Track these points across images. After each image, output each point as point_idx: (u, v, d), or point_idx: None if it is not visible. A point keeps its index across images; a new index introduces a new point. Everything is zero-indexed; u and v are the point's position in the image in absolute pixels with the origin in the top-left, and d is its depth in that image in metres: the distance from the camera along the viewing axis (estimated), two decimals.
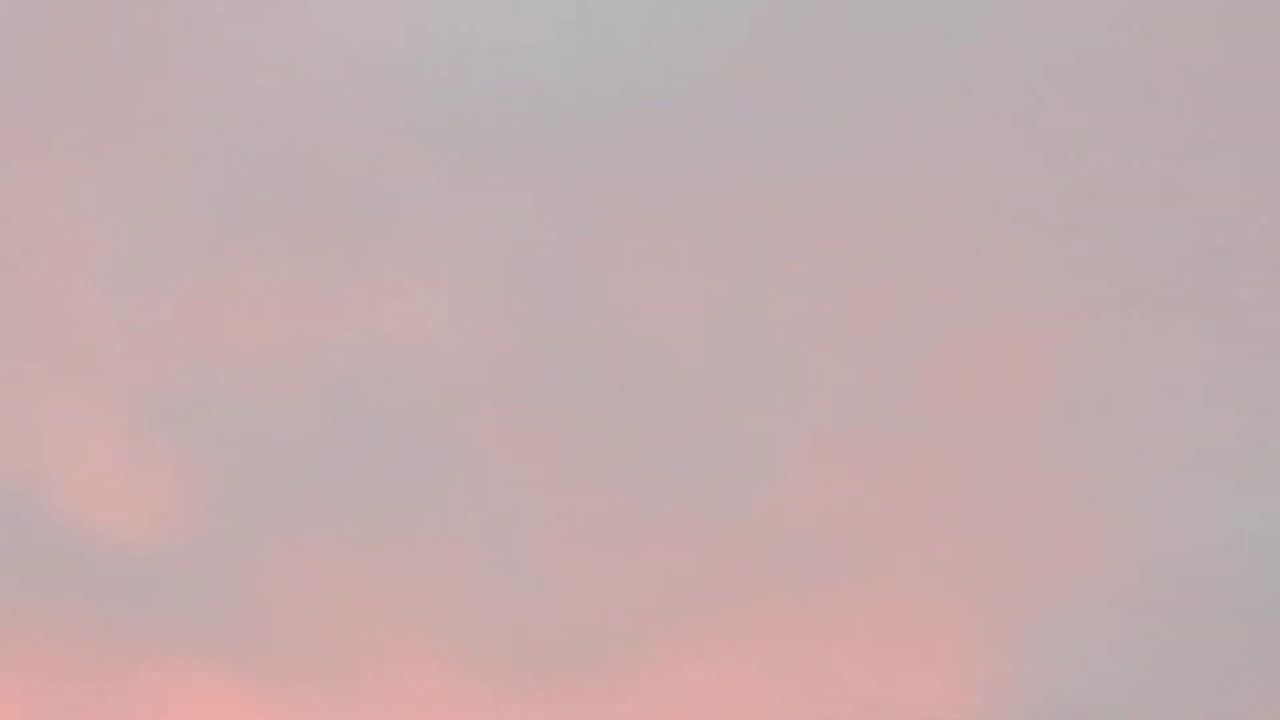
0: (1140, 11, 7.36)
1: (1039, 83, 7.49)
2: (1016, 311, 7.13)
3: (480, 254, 8.88)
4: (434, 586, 9.59)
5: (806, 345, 7.41)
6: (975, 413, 7.24)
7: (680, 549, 7.97)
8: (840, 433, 7.47)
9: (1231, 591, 6.84)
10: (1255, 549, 6.78)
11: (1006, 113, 7.38)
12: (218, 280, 10.51)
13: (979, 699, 7.40)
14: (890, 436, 7.38)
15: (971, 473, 7.38)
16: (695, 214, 7.90)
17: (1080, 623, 7.27)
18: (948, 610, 7.44)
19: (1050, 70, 7.32)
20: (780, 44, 7.98)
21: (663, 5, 7.86)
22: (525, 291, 8.54)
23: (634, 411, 7.95)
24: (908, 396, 7.33)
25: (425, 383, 9.09)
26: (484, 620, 9.24)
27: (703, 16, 8.02)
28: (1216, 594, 6.70)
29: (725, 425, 7.70)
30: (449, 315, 8.87)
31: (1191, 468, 6.69)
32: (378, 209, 9.27)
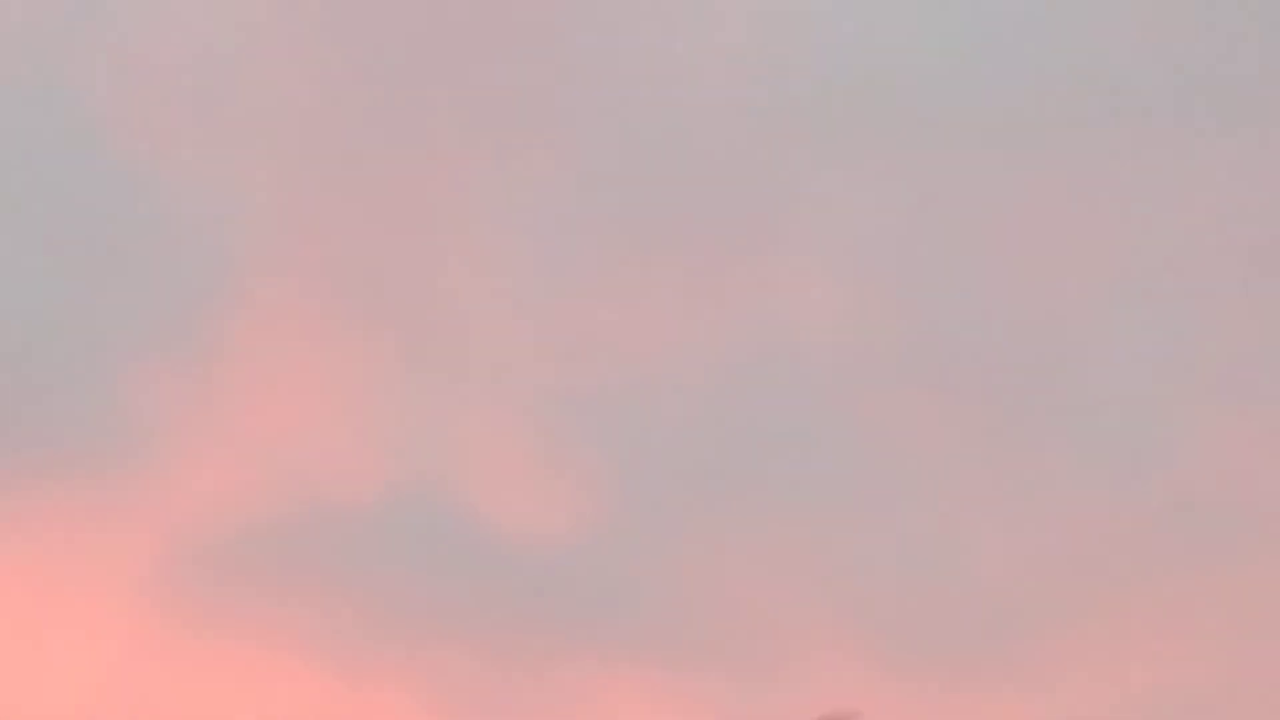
0: None
1: None
2: None
3: (872, 241, 8.68)
4: (840, 573, 8.92)
5: (1201, 317, 7.47)
6: None
7: (1085, 524, 7.77)
8: (1240, 401, 7.50)
9: None
10: None
11: None
12: (616, 279, 9.84)
13: None
14: None
15: None
16: (1079, 196, 7.92)
17: None
18: None
19: None
20: (1173, 31, 8.18)
21: None
22: (917, 277, 8.35)
23: (1031, 390, 7.80)
24: None
25: (822, 370, 8.69)
26: (892, 604, 8.60)
27: (1085, 4, 8.18)
28: None
29: (1123, 399, 7.62)
30: (844, 302, 8.57)
31: None
32: (770, 202, 8.92)
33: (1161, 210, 7.93)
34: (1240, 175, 7.48)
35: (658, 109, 8.05)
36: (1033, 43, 8.10)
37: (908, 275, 8.75)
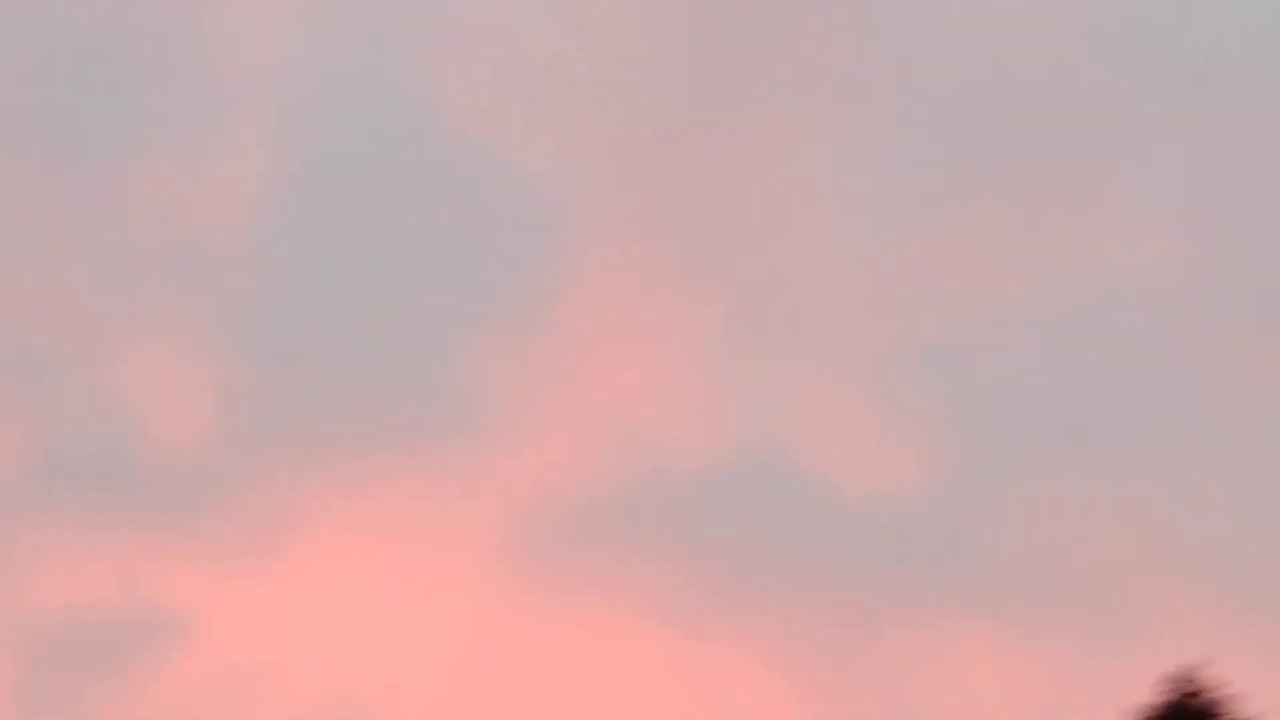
0: None
1: None
2: None
3: (1204, 187, 8.79)
4: (1185, 522, 9.00)
5: None
6: None
7: None
8: None
9: None
10: None
11: None
12: (948, 234, 10.32)
13: None
14: None
15: None
16: None
17: None
18: None
19: None
20: None
21: None
22: (1246, 225, 8.41)
23: None
24: None
25: (1158, 318, 8.80)
26: (1244, 555, 8.60)
27: None
28: None
29: None
30: (1174, 252, 8.64)
31: None
32: (1099, 152, 9.09)
33: None
34: None
35: (987, 69, 8.11)
36: None
37: (1237, 224, 8.72)
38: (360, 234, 50.21)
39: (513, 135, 47.62)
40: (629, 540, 44.63)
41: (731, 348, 42.27)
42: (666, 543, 45.00)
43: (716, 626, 39.96)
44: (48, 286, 53.00)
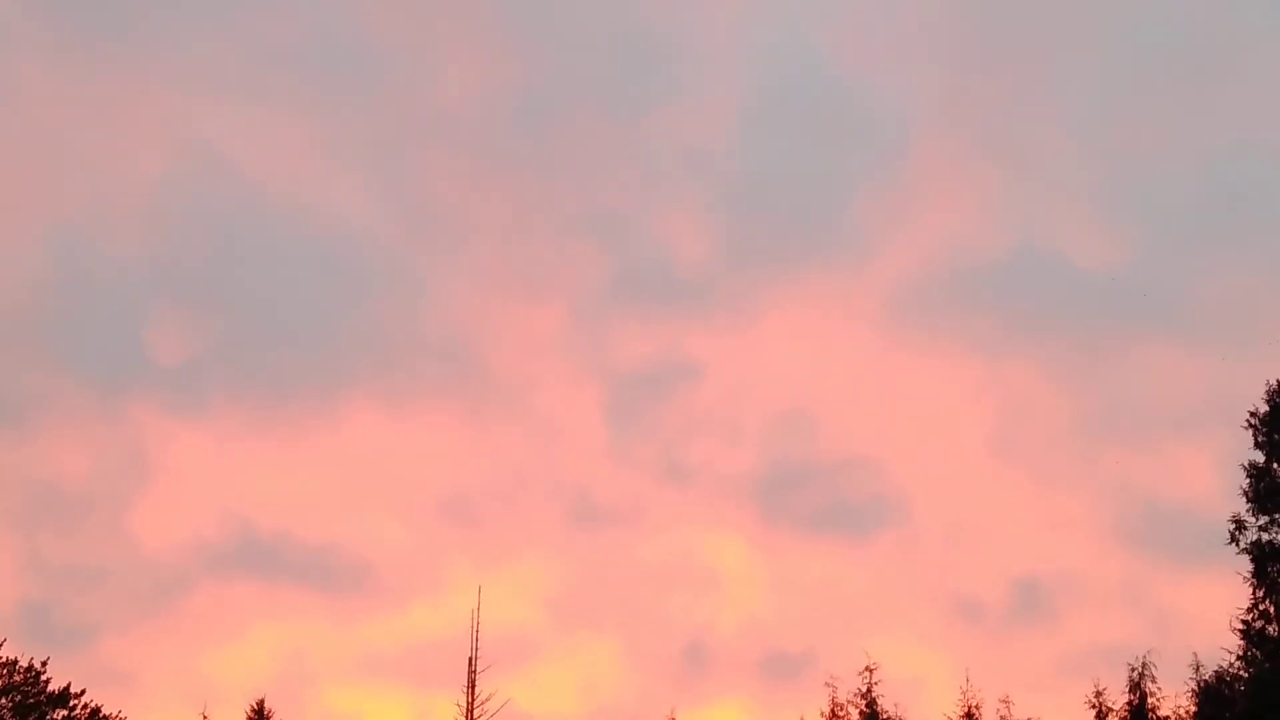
0: None
1: None
2: None
3: None
4: None
5: None
6: None
7: None
8: None
9: None
10: None
11: None
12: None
13: None
14: None
15: None
16: None
17: None
18: None
19: None
20: None
21: None
22: None
23: None
24: None
25: None
26: None
27: None
28: None
29: None
30: None
31: None
32: None
33: None
34: None
35: None
36: None
37: None
38: (791, 140, 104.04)
39: (876, 72, 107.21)
40: (950, 307, 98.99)
41: (1007, 187, 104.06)
42: (974, 309, 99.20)
43: (1008, 358, 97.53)
44: (593, 183, 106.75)
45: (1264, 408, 43.30)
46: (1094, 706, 55.75)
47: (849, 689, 64.53)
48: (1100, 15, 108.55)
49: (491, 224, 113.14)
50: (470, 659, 58.65)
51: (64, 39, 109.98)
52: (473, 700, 58.14)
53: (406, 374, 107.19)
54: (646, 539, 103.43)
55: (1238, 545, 42.27)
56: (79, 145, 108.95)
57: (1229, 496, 43.87)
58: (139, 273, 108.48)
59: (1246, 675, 42.67)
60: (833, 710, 64.47)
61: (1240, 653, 42.48)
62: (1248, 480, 42.68)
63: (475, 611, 59.12)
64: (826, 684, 67.46)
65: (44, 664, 43.35)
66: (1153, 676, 54.97)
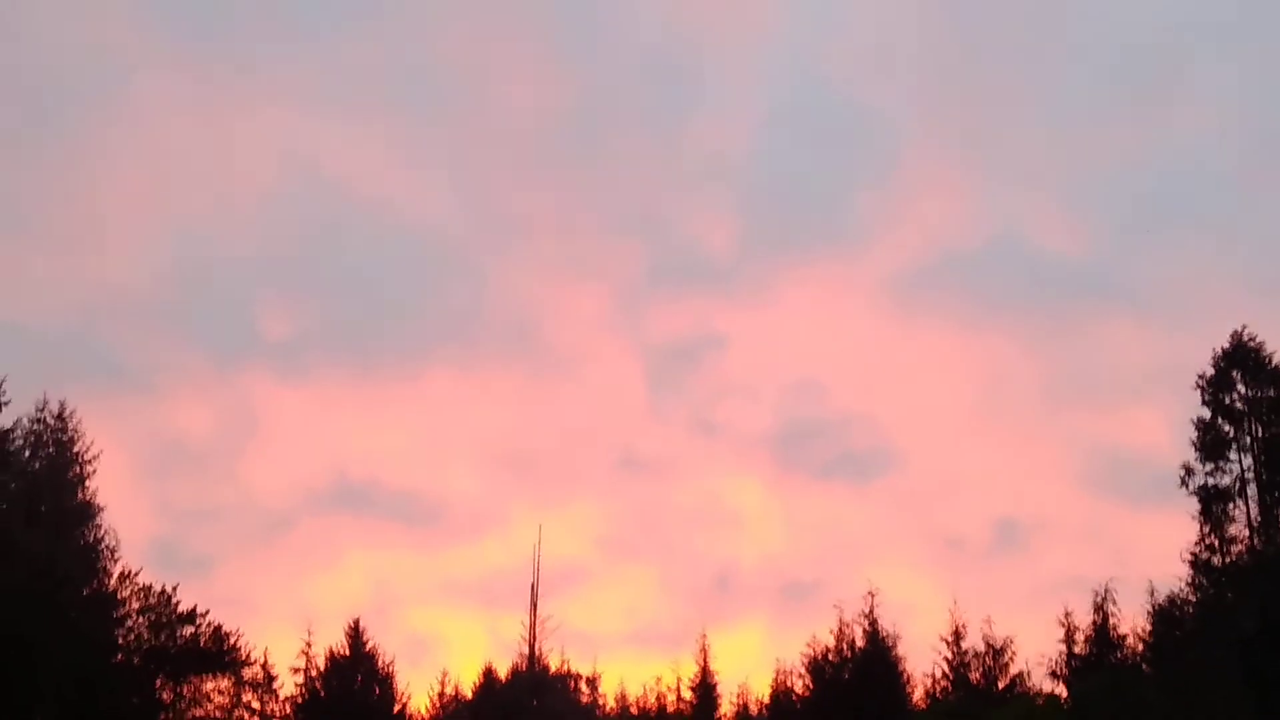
0: None
1: None
2: None
3: None
4: None
5: None
6: None
7: None
8: None
9: None
10: None
11: None
12: None
13: None
14: None
15: None
16: None
17: None
18: None
19: None
20: None
21: None
22: None
23: None
24: None
25: None
26: None
27: None
28: None
29: None
30: None
31: None
32: None
33: None
34: None
35: None
36: None
37: None
38: (802, 146, 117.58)
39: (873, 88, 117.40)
40: (938, 288, 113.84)
41: (986, 185, 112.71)
42: (958, 289, 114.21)
43: (988, 331, 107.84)
44: (633, 184, 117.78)
45: (1210, 371, 46.99)
46: (1064, 625, 60.65)
47: (853, 611, 68.95)
48: (1066, 33, 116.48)
49: (546, 219, 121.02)
50: (532, 586, 63.56)
51: (183, 63, 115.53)
52: (534, 620, 63.43)
53: (476, 347, 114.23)
54: (680, 485, 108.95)
55: (1187, 489, 45.99)
56: (197, 155, 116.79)
57: (1179, 448, 47.40)
58: (250, 262, 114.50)
59: (1195, 600, 46.48)
60: (840, 629, 69.22)
61: (1189, 580, 46.23)
62: (1196, 433, 46.37)
63: (536, 546, 64.38)
64: (834, 607, 71.86)
65: (174, 589, 46.04)
66: (1114, 601, 59.51)
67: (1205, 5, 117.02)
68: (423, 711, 71.79)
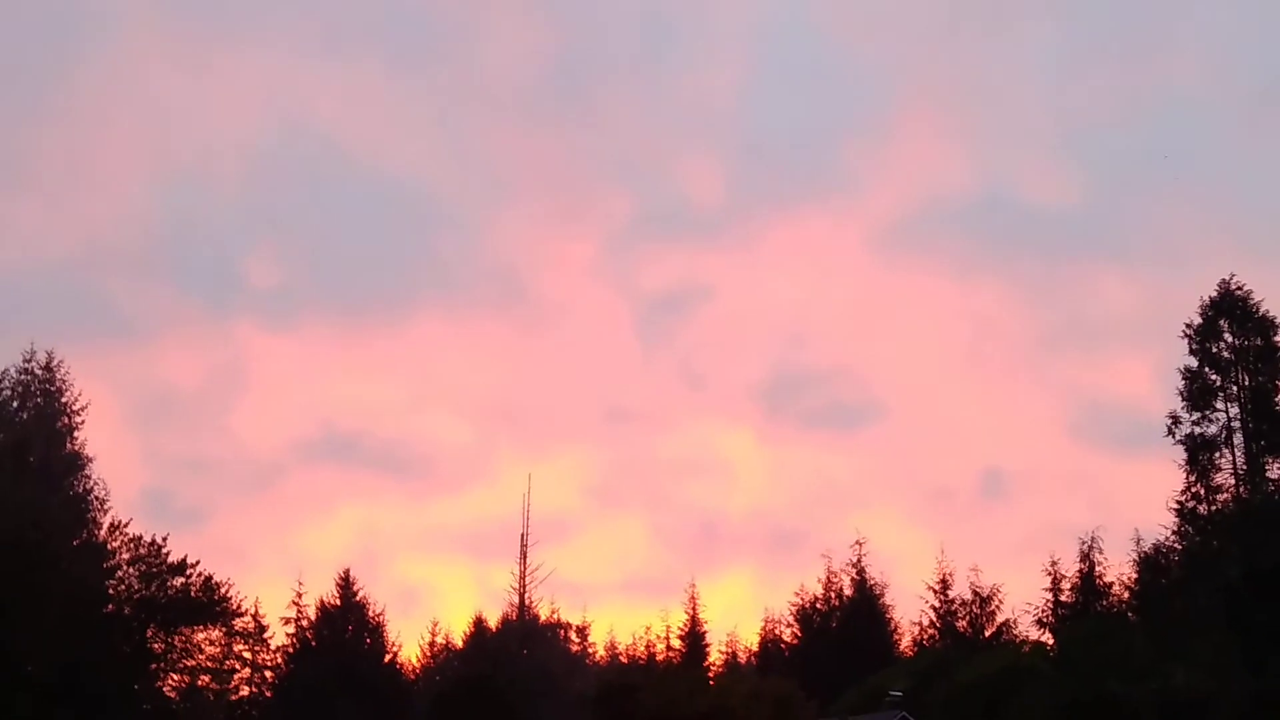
0: None
1: None
2: None
3: None
4: None
5: None
6: None
7: None
8: None
9: None
10: None
11: None
12: None
13: None
14: None
15: None
16: None
17: None
18: None
19: None
20: None
21: None
22: None
23: None
24: None
25: None
26: None
27: None
28: None
29: None
30: None
31: None
32: None
33: None
34: None
35: None
36: None
37: None
38: (789, 98, 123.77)
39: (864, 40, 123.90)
40: (927, 240, 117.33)
41: (976, 137, 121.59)
42: (947, 241, 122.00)
43: (976, 282, 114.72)
44: (620, 135, 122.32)
45: (1198, 320, 46.52)
46: (1050, 574, 60.82)
47: (841, 560, 69.53)
48: None
49: (535, 170, 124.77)
50: (522, 535, 63.69)
51: (171, 16, 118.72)
52: (524, 570, 63.36)
53: (464, 296, 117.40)
54: (668, 435, 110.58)
55: (1174, 437, 45.63)
56: (185, 105, 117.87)
57: (1165, 396, 47.22)
58: (238, 211, 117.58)
59: (1180, 548, 46.33)
60: (827, 578, 69.71)
61: (1175, 528, 46.05)
62: (1183, 382, 46.02)
63: (526, 496, 64.41)
64: (822, 556, 72.42)
65: (164, 540, 45.75)
66: (1100, 549, 59.70)
67: None
68: (414, 661, 72.30)
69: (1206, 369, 46.29)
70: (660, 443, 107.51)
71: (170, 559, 45.92)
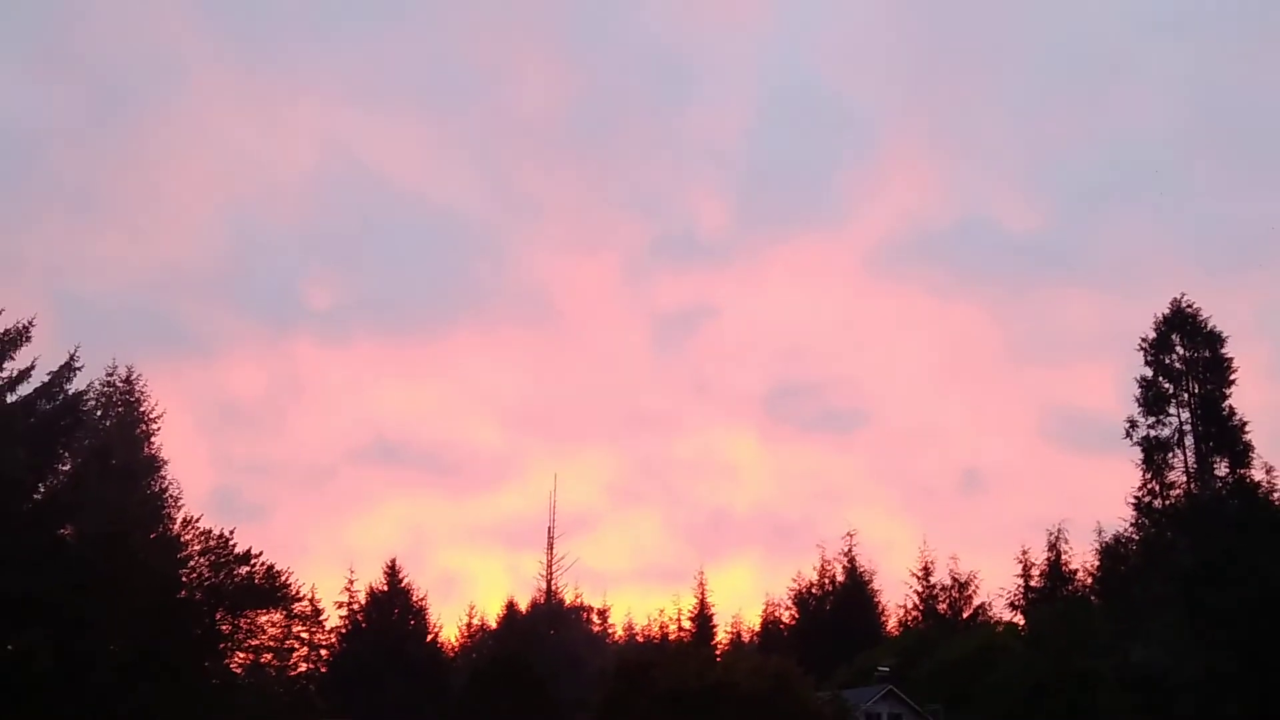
0: None
1: None
2: None
3: None
4: None
5: None
6: None
7: None
8: None
9: None
10: None
11: None
12: None
13: None
14: None
15: None
16: None
17: None
18: None
19: None
20: None
21: None
22: None
23: None
24: None
25: None
26: None
27: None
28: None
29: None
30: None
31: None
32: None
33: None
34: None
35: None
36: None
37: None
38: (789, 135, 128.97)
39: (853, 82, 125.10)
40: (910, 263, 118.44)
41: (953, 169, 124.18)
42: (928, 263, 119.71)
43: (954, 300, 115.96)
44: (637, 169, 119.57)
45: (1152, 334, 47.16)
46: (1021, 562, 61.57)
47: (834, 550, 70.35)
48: (1024, 33, 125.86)
49: (560, 201, 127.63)
50: (549, 528, 64.60)
51: (238, 68, 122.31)
52: (551, 559, 64.08)
53: (498, 314, 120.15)
54: (680, 438, 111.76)
55: (1131, 440, 46.30)
56: (251, 147, 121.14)
57: (1123, 403, 48.44)
58: (297, 240, 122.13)
59: (1137, 538, 47.00)
60: (822, 565, 70.38)
61: (1133, 521, 46.68)
62: (1139, 390, 46.60)
63: (552, 493, 65.35)
64: (817, 546, 73.37)
65: (231, 533, 45.22)
66: (1066, 540, 60.52)
67: (1147, 3, 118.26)
68: (452, 640, 73.02)
69: (1160, 378, 46.75)
70: (673, 445, 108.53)
71: (236, 550, 46.06)
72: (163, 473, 48.15)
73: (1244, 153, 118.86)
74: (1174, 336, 47.17)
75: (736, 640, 72.88)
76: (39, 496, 34.88)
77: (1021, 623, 56.72)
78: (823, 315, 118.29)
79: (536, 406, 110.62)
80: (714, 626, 71.96)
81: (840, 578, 69.11)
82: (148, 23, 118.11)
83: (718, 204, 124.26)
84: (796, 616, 70.01)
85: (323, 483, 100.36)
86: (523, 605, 70.74)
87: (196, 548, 45.75)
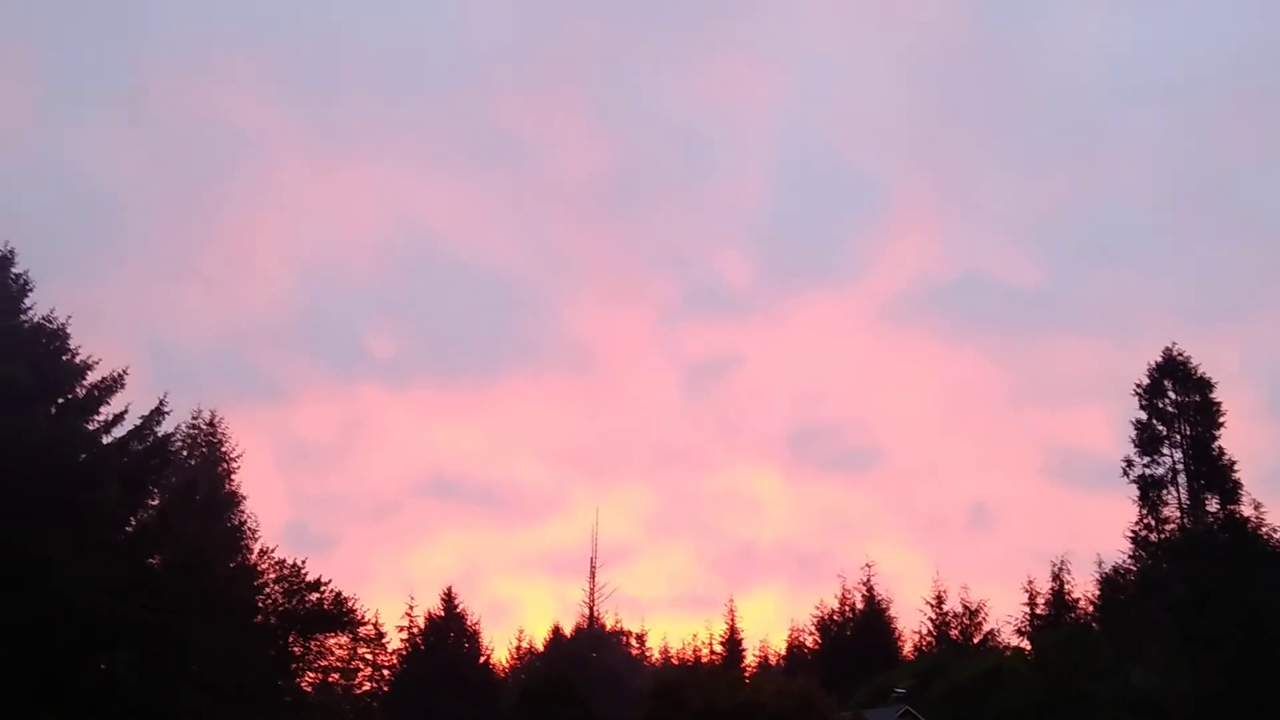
0: None
1: None
2: None
3: None
4: None
5: None
6: None
7: None
8: None
9: None
10: None
11: None
12: None
13: None
14: None
15: None
16: None
17: None
18: None
19: None
20: None
21: None
22: None
23: None
24: None
25: None
26: None
27: None
28: None
29: None
30: None
31: None
32: None
33: None
34: None
35: None
36: None
37: None
38: (805, 198, 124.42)
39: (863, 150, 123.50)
40: (920, 314, 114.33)
41: (958, 227, 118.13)
42: (936, 314, 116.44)
43: (961, 348, 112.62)
44: (668, 230, 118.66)
45: (1146, 380, 45.85)
46: (1027, 591, 60.50)
47: (854, 580, 69.35)
48: (1022, 103, 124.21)
49: (597, 259, 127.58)
50: (591, 559, 64.14)
51: (309, 135, 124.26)
52: (593, 587, 63.52)
53: (542, 363, 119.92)
54: (710, 475, 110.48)
55: (1128, 478, 44.49)
56: (320, 208, 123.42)
57: (1120, 444, 46.55)
58: (362, 295, 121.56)
59: (1135, 569, 45.17)
60: (843, 594, 69.38)
61: (1130, 553, 44.82)
62: (1135, 432, 45.08)
63: (594, 526, 65.06)
64: (838, 576, 72.64)
65: (303, 562, 46.17)
66: (1068, 570, 59.46)
67: (1140, 71, 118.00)
68: (503, 662, 72.42)
69: (1154, 421, 45.47)
70: (703, 481, 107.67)
71: (308, 578, 46.19)
72: (242, 507, 48.02)
73: (1228, 211, 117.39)
74: (1166, 382, 46.07)
75: (764, 663, 71.91)
76: (130, 529, 34.82)
77: (1028, 647, 55.66)
78: (839, 362, 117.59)
79: (579, 446, 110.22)
80: (743, 650, 71.14)
81: (860, 605, 68.10)
82: (235, 104, 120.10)
83: (742, 262, 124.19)
84: (819, 641, 68.98)
85: (385, 516, 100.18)
86: (567, 629, 70.21)
87: (272, 576, 45.86)
